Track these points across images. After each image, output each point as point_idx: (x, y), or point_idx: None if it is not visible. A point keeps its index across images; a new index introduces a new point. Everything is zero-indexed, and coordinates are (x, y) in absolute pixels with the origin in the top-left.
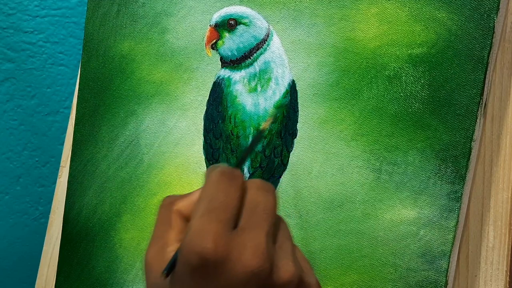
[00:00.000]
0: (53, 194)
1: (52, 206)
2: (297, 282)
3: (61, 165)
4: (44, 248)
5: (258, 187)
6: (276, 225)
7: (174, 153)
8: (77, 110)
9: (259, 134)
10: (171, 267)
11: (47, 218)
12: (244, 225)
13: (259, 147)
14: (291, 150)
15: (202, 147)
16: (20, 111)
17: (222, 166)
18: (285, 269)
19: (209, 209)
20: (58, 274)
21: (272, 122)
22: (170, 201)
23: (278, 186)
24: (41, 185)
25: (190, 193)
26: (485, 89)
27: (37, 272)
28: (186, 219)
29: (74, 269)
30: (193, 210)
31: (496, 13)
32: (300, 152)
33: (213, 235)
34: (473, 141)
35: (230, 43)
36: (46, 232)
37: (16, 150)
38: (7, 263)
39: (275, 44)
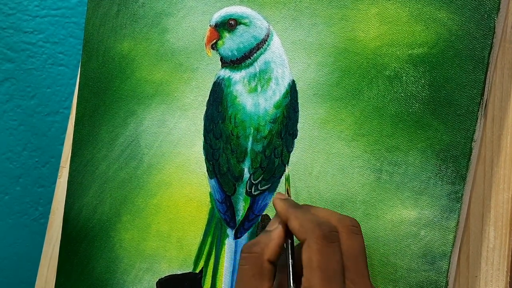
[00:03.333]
0: (53, 194)
1: (52, 207)
2: None
3: (61, 165)
4: (44, 248)
5: (351, 231)
6: None
7: (174, 153)
8: (77, 110)
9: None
10: None
11: (47, 218)
12: (353, 277)
13: (259, 147)
14: (292, 151)
15: (202, 147)
16: (20, 111)
17: (320, 228)
18: None
19: (327, 278)
20: (58, 274)
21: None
22: (258, 252)
23: (279, 186)
24: (41, 186)
25: (268, 237)
26: (486, 89)
27: (37, 273)
28: (273, 264)
29: (74, 269)
30: (307, 278)
31: (497, 14)
32: (301, 153)
33: None
34: (474, 142)
35: (230, 43)
36: (46, 232)
37: (16, 150)
38: (7, 263)
39: (275, 44)
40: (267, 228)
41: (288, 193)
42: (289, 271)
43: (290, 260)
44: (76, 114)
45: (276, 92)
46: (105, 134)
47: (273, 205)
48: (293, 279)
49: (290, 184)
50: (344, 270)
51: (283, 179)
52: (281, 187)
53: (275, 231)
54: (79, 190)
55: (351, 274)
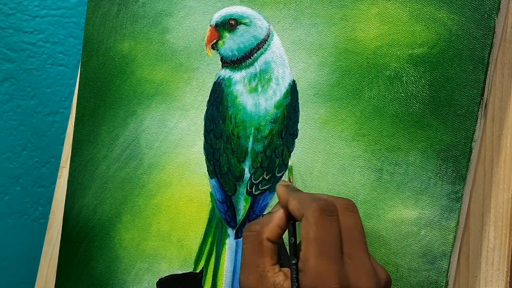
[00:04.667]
0: (53, 194)
1: (52, 207)
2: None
3: (61, 165)
4: (44, 248)
5: (346, 209)
6: None
7: (174, 153)
8: (77, 110)
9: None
10: None
11: (47, 218)
12: (349, 251)
13: (259, 147)
14: (292, 150)
15: (202, 147)
16: (20, 111)
17: (317, 202)
18: (383, 274)
19: (323, 251)
20: (58, 274)
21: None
22: (256, 230)
23: None
24: (41, 186)
25: (269, 217)
26: (486, 89)
27: (37, 273)
28: (273, 243)
29: (74, 269)
30: (304, 251)
31: (497, 13)
32: (301, 152)
33: (335, 275)
34: (474, 142)
35: (231, 43)
36: (46, 232)
37: (16, 150)
38: (7, 263)
39: (276, 44)
40: (270, 211)
41: (290, 181)
42: (290, 247)
43: (292, 238)
44: (76, 114)
45: (276, 92)
46: (105, 134)
47: (276, 191)
48: (295, 255)
49: (293, 174)
50: (342, 245)
51: (286, 172)
52: None
53: (276, 213)
54: (79, 190)
55: (347, 248)
